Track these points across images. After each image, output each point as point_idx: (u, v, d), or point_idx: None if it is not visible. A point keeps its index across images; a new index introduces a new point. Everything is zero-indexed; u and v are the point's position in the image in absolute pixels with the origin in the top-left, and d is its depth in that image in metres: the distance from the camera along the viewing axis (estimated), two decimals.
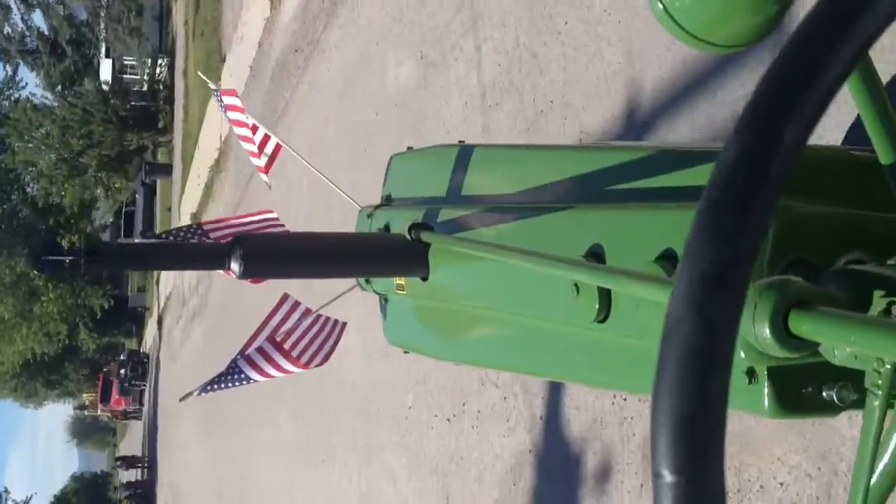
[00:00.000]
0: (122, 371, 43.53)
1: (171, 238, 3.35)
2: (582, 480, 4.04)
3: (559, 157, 2.19)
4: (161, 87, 36.08)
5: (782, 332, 0.91)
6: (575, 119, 4.19)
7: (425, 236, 2.42)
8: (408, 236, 2.48)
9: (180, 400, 4.09)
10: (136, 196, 35.83)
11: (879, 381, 0.99)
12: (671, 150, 1.83)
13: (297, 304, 3.55)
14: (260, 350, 3.46)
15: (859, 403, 1.09)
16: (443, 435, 5.66)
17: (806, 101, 0.48)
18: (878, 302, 1.02)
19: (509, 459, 4.78)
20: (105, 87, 36.22)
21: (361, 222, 3.00)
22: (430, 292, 2.60)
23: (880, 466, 1.04)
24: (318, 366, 3.58)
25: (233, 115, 4.46)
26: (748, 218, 0.47)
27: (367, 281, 2.99)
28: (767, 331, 0.91)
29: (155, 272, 35.12)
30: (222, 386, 3.57)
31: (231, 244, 2.43)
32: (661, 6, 1.07)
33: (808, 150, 1.60)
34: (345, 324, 3.70)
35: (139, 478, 44.91)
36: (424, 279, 2.59)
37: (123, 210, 36.82)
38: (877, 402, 1.00)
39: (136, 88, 37.67)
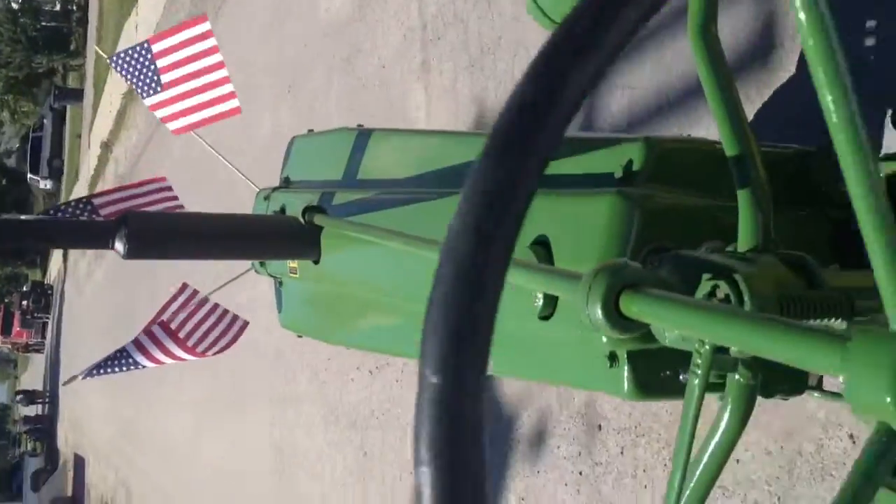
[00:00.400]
0: (25, 303, 42.15)
1: (60, 214, 3.27)
2: (514, 443, 3.82)
3: (453, 143, 2.23)
4: (75, 7, 34.58)
5: (613, 312, 0.95)
6: (525, 57, 3.88)
7: (318, 219, 2.44)
8: (301, 219, 2.49)
9: (64, 384, 4.02)
10: (44, 121, 34.40)
11: (699, 362, 1.02)
12: (565, 137, 1.78)
13: (195, 293, 3.52)
14: (150, 335, 3.34)
15: (713, 388, 1.10)
16: (364, 388, 5.38)
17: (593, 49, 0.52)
18: (705, 285, 1.07)
19: None
20: (15, 6, 34.58)
21: (258, 204, 2.97)
22: (322, 276, 2.62)
23: (710, 447, 1.06)
24: (213, 354, 3.53)
25: (133, 77, 4.11)
26: (527, 147, 0.51)
27: (262, 264, 2.97)
28: (600, 311, 0.95)
29: (62, 198, 34.02)
30: (108, 371, 3.48)
31: (116, 222, 2.34)
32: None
33: (674, 143, 1.73)
34: (247, 322, 3.69)
35: (40, 412, 43.85)
36: (316, 262, 2.60)
37: (30, 135, 35.32)
38: (696, 382, 1.03)
39: (48, 8, 36.05)
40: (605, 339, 1.35)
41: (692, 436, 1.03)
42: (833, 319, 1.09)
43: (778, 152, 1.81)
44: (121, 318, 15.77)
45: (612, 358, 1.44)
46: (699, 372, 1.03)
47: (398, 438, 4.89)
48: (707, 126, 2.93)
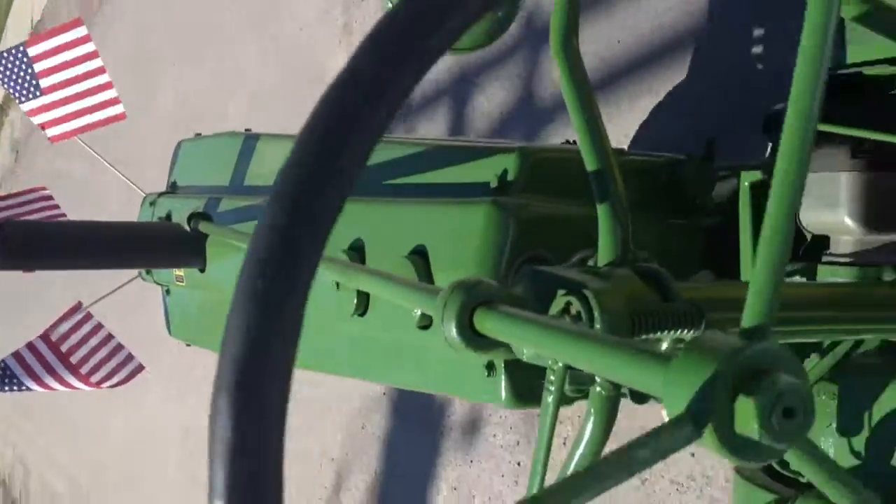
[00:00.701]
0: None
1: None
2: (445, 431, 3.63)
3: None
4: None
5: (467, 330, 0.95)
6: None
7: (203, 227, 2.41)
8: (186, 226, 2.45)
9: None
10: None
11: (552, 378, 1.02)
12: (442, 146, 1.90)
13: (88, 316, 3.43)
14: (34, 351, 3.21)
15: (576, 398, 1.10)
16: None
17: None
18: (559, 301, 1.06)
19: (359, 401, 4.32)
20: None
21: (144, 210, 2.93)
22: (208, 284, 2.59)
23: (575, 457, 1.06)
24: (108, 387, 3.48)
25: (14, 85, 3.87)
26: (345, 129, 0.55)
27: (148, 271, 2.93)
28: (454, 329, 0.95)
29: None
30: None
31: None
32: None
33: (548, 152, 1.84)
34: (143, 366, 3.69)
35: None
36: (202, 271, 2.57)
37: None
38: (550, 399, 1.03)
39: None
40: None
41: (548, 450, 1.03)
42: (685, 332, 1.08)
43: (651, 161, 1.86)
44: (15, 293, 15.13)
45: (490, 367, 1.48)
46: (552, 389, 1.03)
47: (318, 419, 4.67)
48: (650, 103, 2.79)
